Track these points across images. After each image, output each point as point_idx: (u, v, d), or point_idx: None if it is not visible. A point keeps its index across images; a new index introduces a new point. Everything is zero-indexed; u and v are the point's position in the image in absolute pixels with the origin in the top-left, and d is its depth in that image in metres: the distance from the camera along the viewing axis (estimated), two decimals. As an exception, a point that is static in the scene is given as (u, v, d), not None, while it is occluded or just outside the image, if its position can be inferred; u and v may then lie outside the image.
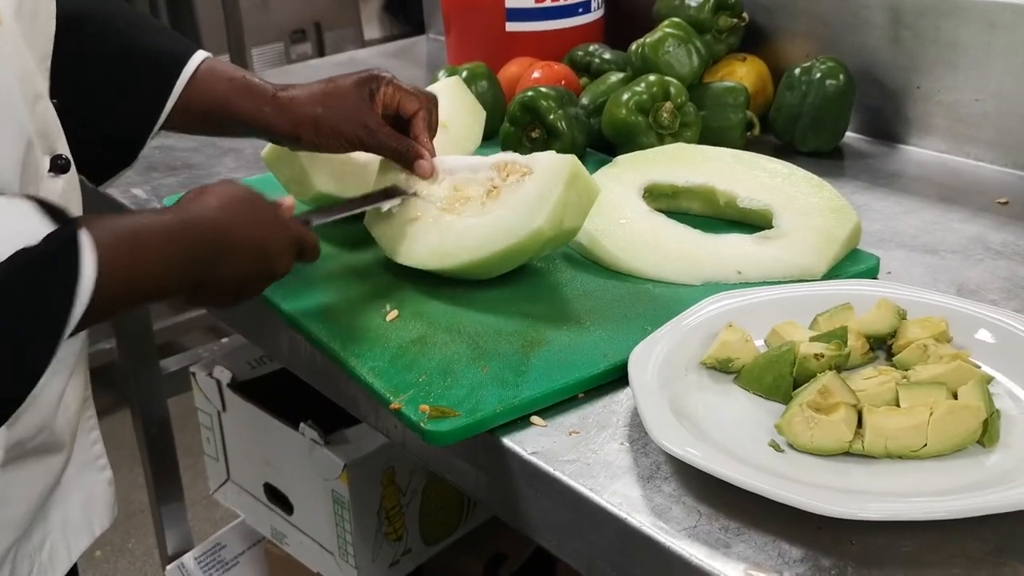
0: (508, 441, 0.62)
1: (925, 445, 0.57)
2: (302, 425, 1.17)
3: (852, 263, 0.79)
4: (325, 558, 1.22)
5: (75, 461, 0.77)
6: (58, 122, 0.71)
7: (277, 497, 1.27)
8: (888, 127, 1.06)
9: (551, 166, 0.75)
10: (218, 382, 1.28)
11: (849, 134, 1.07)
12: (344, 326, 0.75)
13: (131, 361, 1.41)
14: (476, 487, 0.66)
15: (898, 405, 0.59)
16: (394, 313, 0.75)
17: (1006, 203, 0.91)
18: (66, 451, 0.73)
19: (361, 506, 1.16)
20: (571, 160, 0.74)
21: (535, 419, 0.64)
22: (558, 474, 0.60)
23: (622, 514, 0.56)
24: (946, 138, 1.02)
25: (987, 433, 0.57)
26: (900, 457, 0.57)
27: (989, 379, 0.62)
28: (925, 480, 0.55)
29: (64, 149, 0.71)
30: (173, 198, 0.96)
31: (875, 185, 0.97)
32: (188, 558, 1.46)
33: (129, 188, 1.06)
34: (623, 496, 0.57)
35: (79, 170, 0.82)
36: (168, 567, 1.49)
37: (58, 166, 0.70)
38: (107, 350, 2.40)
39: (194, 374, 1.31)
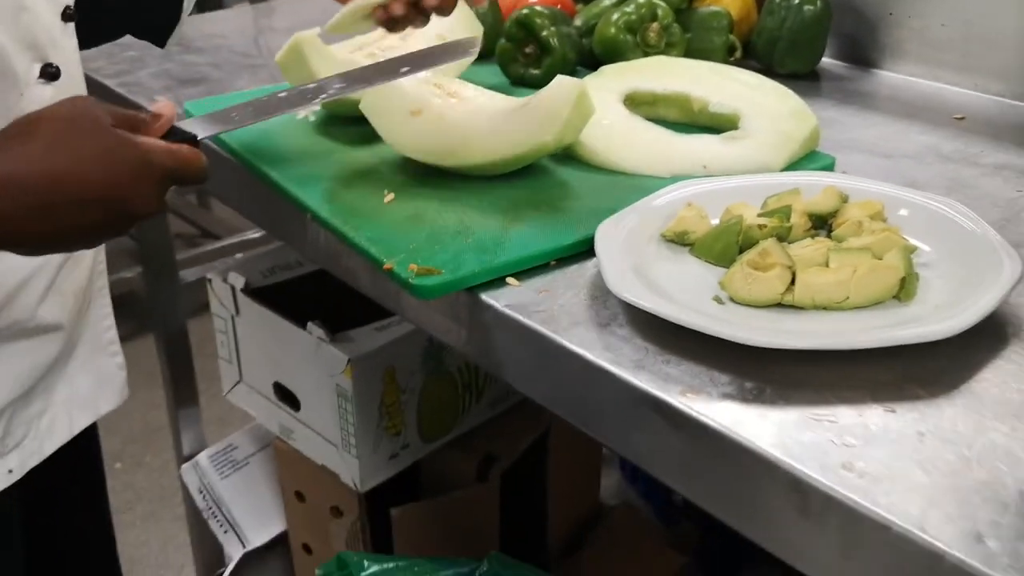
0: (486, 297, 0.71)
1: (847, 298, 0.64)
2: (310, 324, 1.26)
3: (809, 162, 0.86)
4: (329, 450, 1.31)
5: (86, 344, 0.85)
6: (55, 32, 0.77)
7: (285, 395, 1.36)
8: (863, 52, 1.13)
9: (562, 87, 0.82)
10: (232, 288, 1.36)
11: (827, 60, 1.15)
12: (347, 206, 0.83)
13: (151, 271, 1.50)
14: (458, 340, 0.74)
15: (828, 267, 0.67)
16: (391, 196, 0.83)
17: (962, 119, 0.99)
18: (63, 333, 0.80)
19: (363, 400, 1.24)
20: (580, 84, 0.82)
21: (510, 280, 0.72)
22: (528, 322, 0.68)
23: (580, 351, 0.64)
24: (916, 62, 1.09)
25: (904, 289, 0.65)
26: (826, 308, 0.65)
27: (913, 249, 0.69)
28: (845, 326, 0.63)
29: (57, 58, 0.76)
30: (194, 103, 1.04)
31: (846, 103, 1.05)
32: (202, 456, 1.55)
33: (153, 96, 1.14)
34: (582, 338, 0.65)
35: (141, 37, 0.86)
36: (183, 466, 1.58)
37: (48, 74, 0.75)
38: (128, 279, 2.50)
39: (210, 280, 1.40)
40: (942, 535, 0.48)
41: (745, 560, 1.52)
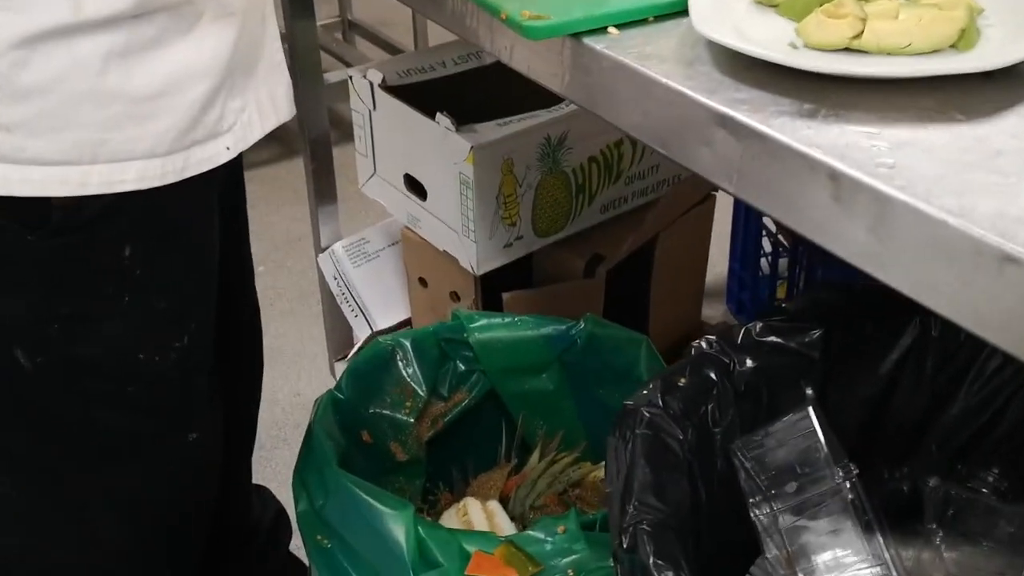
0: (588, 40, 0.80)
1: (910, 44, 0.71)
2: (438, 115, 1.38)
3: (905, -52, 0.92)
4: (450, 236, 1.44)
5: (265, 61, 0.98)
6: None
7: (414, 186, 1.49)
8: None
9: None
10: (371, 83, 1.49)
11: None
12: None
13: (299, 71, 1.63)
14: (561, 83, 0.84)
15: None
16: (513, -36, 0.92)
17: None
18: (239, 19, 0.92)
19: (483, 187, 1.36)
20: None
21: (611, 30, 0.81)
22: (623, 58, 0.77)
23: (665, 80, 0.74)
24: None
25: (963, 39, 0.72)
26: (889, 53, 0.72)
27: (980, 10, 0.75)
28: (904, 64, 0.71)
29: None
30: None
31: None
32: (338, 246, 1.71)
33: None
34: (668, 71, 0.74)
35: None
36: (320, 255, 1.75)
37: None
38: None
39: (351, 77, 1.52)
40: (946, 206, 0.57)
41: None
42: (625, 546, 0.67)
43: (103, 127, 0.83)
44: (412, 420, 1.12)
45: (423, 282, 1.58)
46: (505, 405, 1.20)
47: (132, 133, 0.85)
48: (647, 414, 0.71)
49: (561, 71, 0.84)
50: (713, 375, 0.77)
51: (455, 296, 1.53)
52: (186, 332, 0.96)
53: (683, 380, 0.76)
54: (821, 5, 0.78)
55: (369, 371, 1.12)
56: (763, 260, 2.00)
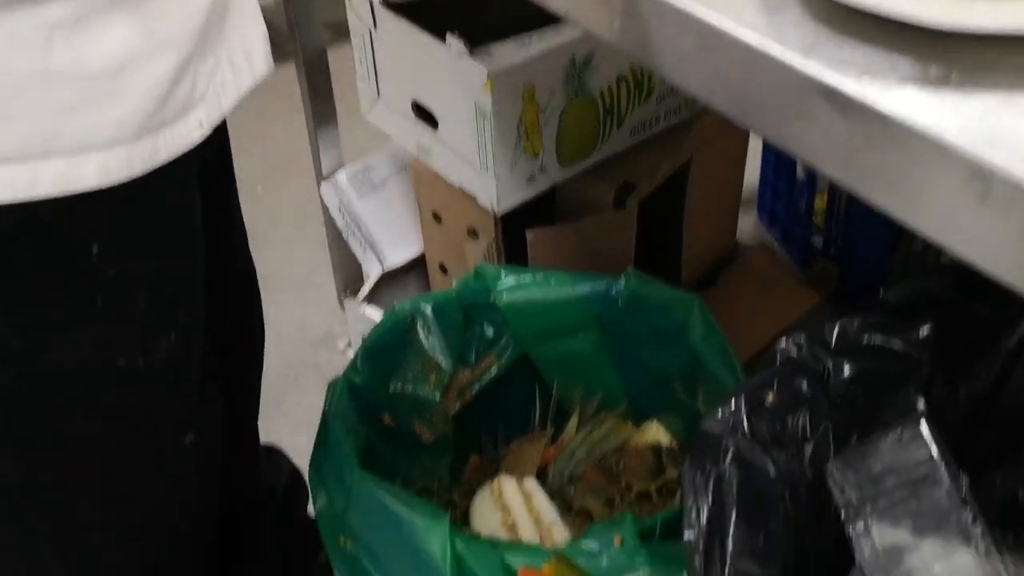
0: (643, -20, 0.66)
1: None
2: (449, 37, 1.22)
3: None
4: (466, 170, 1.30)
5: (236, 10, 0.83)
6: None
7: (423, 114, 1.35)
8: None
9: None
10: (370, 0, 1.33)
11: None
12: None
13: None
14: (611, 32, 0.70)
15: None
16: None
17: None
18: None
19: (502, 117, 1.22)
20: None
21: (670, -38, 0.67)
22: (688, 6, 0.63)
23: (743, 37, 0.59)
24: None
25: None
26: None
27: None
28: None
29: None
30: None
31: None
32: (341, 175, 1.58)
33: None
34: (746, 20, 0.60)
35: None
36: (322, 184, 1.61)
37: None
38: (266, 8, 2.49)
39: (348, -8, 1.36)
40: None
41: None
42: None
43: (54, 115, 0.69)
44: (437, 397, 1.01)
45: (437, 217, 1.45)
46: (538, 370, 1.09)
47: (90, 120, 0.70)
48: (732, 444, 0.59)
49: (610, 17, 0.69)
50: (805, 386, 0.65)
51: (473, 232, 1.40)
52: (174, 328, 0.83)
53: (771, 396, 0.64)
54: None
55: (386, 347, 1.00)
56: (799, 166, 1.85)
